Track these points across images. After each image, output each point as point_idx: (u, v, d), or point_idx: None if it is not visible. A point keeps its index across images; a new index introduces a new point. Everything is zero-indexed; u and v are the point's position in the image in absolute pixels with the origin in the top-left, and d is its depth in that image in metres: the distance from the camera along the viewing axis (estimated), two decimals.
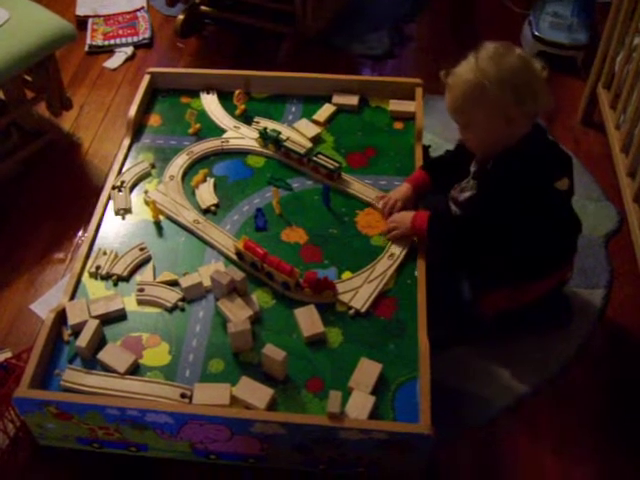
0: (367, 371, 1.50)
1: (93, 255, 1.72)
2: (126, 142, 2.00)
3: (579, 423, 1.68)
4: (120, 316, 1.62)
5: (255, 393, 1.46)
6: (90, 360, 1.53)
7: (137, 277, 1.69)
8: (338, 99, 2.11)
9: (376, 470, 1.50)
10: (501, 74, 1.52)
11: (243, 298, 1.61)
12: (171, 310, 1.63)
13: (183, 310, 1.63)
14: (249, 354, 1.55)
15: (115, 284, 1.68)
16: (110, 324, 1.60)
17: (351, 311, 1.62)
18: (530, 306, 1.78)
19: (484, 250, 1.69)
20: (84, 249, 1.73)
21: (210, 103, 2.13)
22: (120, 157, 1.95)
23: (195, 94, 2.16)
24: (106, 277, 1.69)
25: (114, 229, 1.80)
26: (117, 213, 1.83)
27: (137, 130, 2.04)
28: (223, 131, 2.04)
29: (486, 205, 1.62)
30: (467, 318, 1.82)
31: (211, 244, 1.75)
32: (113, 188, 1.87)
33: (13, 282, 1.99)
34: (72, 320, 1.57)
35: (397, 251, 1.72)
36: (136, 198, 1.87)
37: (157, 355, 1.55)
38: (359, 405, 1.44)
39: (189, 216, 1.81)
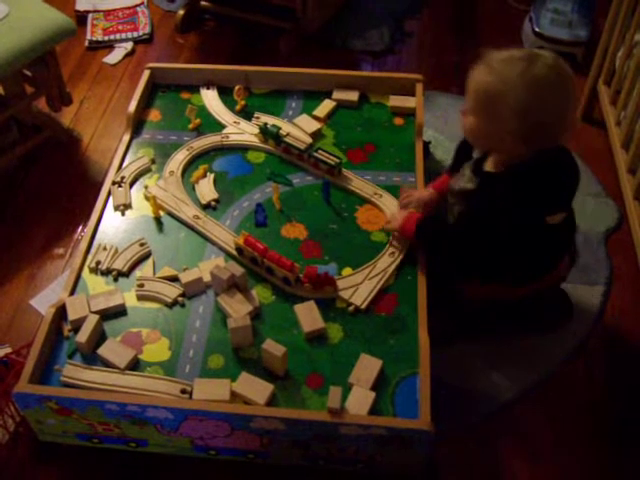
0: (367, 367, 1.50)
1: (93, 250, 1.72)
2: (126, 137, 2.00)
3: (577, 421, 1.68)
4: (120, 311, 1.62)
5: (255, 389, 1.46)
6: (90, 355, 1.53)
7: (137, 272, 1.69)
8: (338, 95, 2.10)
9: (376, 466, 1.50)
10: (540, 112, 1.41)
11: (243, 294, 1.61)
12: (171, 306, 1.63)
13: (183, 306, 1.63)
14: (249, 350, 1.55)
15: (115, 279, 1.68)
16: (110, 319, 1.60)
17: (351, 307, 1.62)
18: (527, 301, 1.75)
19: (471, 258, 1.66)
20: (84, 244, 1.73)
21: (210, 98, 2.12)
22: (120, 152, 1.95)
23: (195, 89, 2.15)
24: (106, 272, 1.69)
25: (114, 224, 1.80)
26: (117, 209, 1.82)
27: (137, 125, 2.04)
28: (223, 127, 2.04)
29: (475, 224, 1.58)
30: (458, 308, 1.80)
31: (211, 240, 1.75)
32: (113, 183, 1.87)
33: (13, 277, 1.99)
34: (72, 315, 1.57)
35: (398, 248, 1.72)
36: (136, 194, 1.87)
37: (157, 350, 1.55)
38: (359, 401, 1.44)
39: (189, 212, 1.80)
